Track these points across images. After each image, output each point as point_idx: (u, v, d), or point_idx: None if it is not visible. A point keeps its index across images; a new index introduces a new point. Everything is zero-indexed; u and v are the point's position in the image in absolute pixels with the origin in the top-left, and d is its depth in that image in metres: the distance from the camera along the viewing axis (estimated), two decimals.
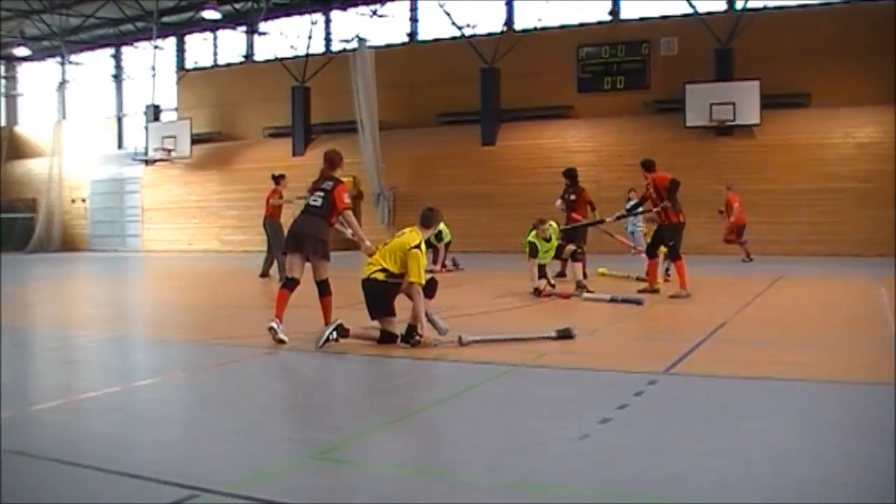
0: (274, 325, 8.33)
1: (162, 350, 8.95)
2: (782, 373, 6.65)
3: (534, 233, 13.00)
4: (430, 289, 8.41)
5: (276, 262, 15.87)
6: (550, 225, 13.15)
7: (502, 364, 7.13)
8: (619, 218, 14.69)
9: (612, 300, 11.57)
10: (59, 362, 8.46)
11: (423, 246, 8.35)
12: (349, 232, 9.13)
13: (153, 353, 8.91)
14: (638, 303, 11.35)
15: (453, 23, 27.89)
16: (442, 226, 15.09)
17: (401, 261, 8.19)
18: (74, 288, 18.86)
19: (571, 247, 13.29)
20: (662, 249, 13.08)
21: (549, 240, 13.05)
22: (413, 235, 8.38)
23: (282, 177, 16.85)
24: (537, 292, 12.48)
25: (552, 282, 13.05)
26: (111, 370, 7.99)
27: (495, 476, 4.25)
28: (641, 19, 26.71)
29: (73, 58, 37.03)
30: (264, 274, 16.70)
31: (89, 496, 4.05)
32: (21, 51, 36.38)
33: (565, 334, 8.33)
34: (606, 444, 4.72)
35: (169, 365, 8.03)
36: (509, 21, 28.24)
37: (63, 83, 38.00)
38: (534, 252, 12.84)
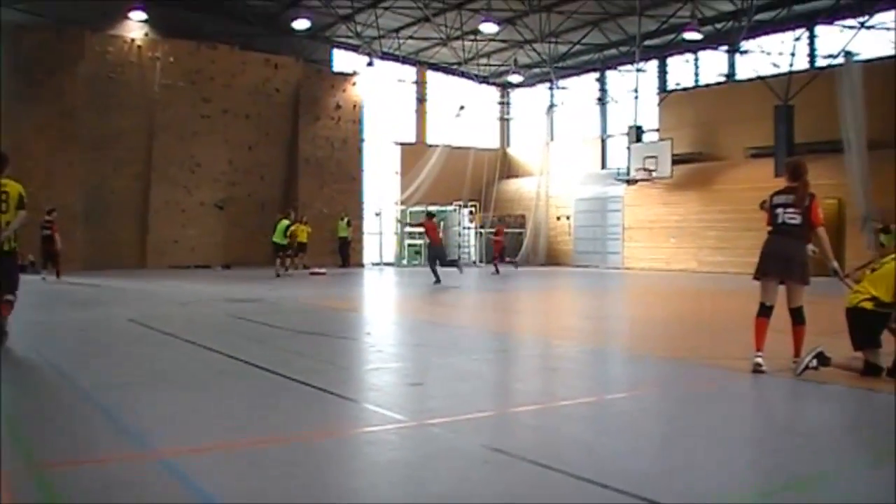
0: (759, 360, 8.07)
1: (637, 365, 9.15)
2: None
3: None
4: None
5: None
6: None
7: None
8: None
9: None
10: (541, 368, 9.01)
11: None
12: (809, 247, 8.52)
13: (628, 367, 9.16)
14: None
15: None
16: None
17: (894, 288, 7.52)
18: (558, 300, 19.85)
19: None
20: None
21: None
22: None
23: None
24: None
25: None
26: (588, 380, 8.36)
27: None
28: None
29: (560, 83, 39.55)
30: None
31: (559, 500, 4.21)
32: (514, 77, 39.42)
33: None
34: None
35: (643, 380, 8.17)
36: None
37: (551, 107, 40.75)
38: None
